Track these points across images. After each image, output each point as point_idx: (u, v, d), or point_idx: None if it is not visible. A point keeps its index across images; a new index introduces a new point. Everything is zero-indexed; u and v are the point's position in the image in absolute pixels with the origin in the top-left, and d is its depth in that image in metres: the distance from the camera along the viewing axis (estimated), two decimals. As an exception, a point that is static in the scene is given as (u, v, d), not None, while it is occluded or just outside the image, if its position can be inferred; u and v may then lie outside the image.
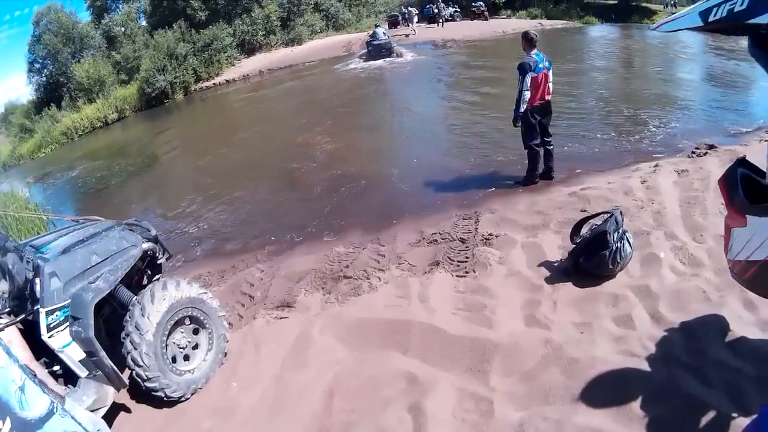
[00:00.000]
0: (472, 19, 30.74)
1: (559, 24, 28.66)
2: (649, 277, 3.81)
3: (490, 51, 21.22)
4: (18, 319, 3.07)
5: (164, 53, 27.91)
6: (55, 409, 2.07)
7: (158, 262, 4.21)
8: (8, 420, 1.80)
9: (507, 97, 11.13)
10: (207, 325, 3.74)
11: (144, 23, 33.63)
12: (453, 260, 4.66)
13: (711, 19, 1.61)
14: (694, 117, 9.13)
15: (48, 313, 3.04)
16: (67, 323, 3.11)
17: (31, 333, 3.11)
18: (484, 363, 3.22)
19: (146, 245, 3.93)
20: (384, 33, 23.50)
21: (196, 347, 3.70)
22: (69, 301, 3.14)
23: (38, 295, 3.06)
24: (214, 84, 28.63)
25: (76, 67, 29.51)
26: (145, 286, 3.78)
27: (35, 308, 3.05)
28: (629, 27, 26.35)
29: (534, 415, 2.73)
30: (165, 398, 3.38)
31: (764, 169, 1.95)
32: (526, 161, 6.49)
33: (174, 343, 3.54)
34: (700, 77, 12.80)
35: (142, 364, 3.25)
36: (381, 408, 3.02)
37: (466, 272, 4.40)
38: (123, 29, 32.73)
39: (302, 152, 10.38)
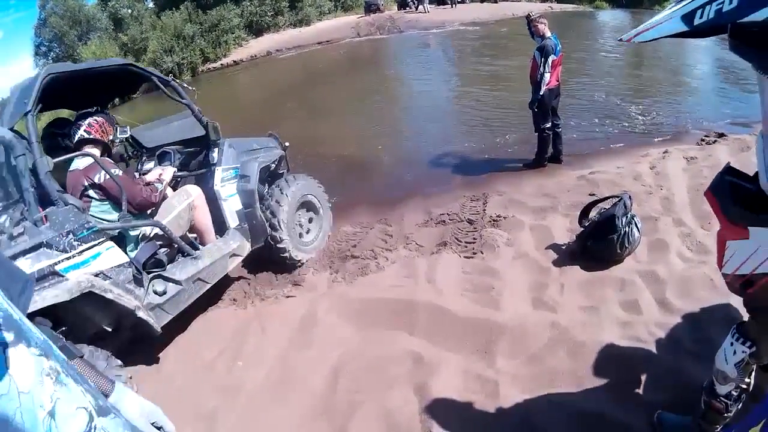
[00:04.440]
0: (482, 1, 30.55)
1: (569, 8, 28.38)
2: (657, 263, 3.78)
3: (498, 31, 20.99)
4: (198, 171, 4.32)
5: (171, 34, 27.88)
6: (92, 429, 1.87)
7: (280, 171, 5.00)
8: None
9: (512, 74, 11.06)
10: (319, 212, 4.95)
11: (151, 5, 33.60)
12: (461, 241, 4.64)
13: (697, 22, 1.46)
14: (704, 105, 8.98)
15: (223, 170, 4.16)
16: (236, 179, 4.23)
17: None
18: (491, 344, 3.21)
19: (281, 152, 4.92)
20: None
21: (311, 221, 4.89)
22: (239, 165, 4.28)
23: (215, 159, 4.17)
24: (221, 65, 28.49)
25: (82, 50, 29.57)
26: None
27: (212, 167, 4.15)
28: (640, 12, 25.89)
29: (539, 398, 2.73)
30: (288, 260, 4.48)
31: (752, 173, 1.80)
32: (536, 143, 6.44)
33: (297, 216, 4.64)
34: (710, 66, 12.59)
35: (278, 228, 4.31)
36: (386, 388, 3.02)
37: (474, 253, 4.38)
38: (130, 11, 32.63)
39: (307, 131, 10.32)
